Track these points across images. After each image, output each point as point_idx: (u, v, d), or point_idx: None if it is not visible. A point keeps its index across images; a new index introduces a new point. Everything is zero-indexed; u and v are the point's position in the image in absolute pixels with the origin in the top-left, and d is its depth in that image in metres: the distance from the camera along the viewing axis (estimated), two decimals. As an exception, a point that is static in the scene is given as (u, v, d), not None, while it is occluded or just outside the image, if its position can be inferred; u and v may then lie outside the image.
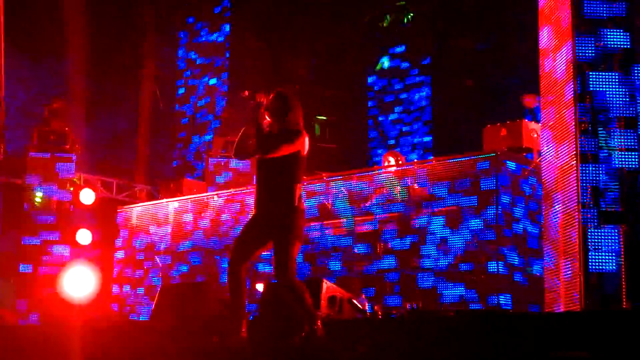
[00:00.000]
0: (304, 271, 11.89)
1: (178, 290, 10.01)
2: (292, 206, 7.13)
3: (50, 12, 17.59)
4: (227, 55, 19.89)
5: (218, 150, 16.45)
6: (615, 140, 8.04)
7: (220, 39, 19.94)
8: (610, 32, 8.16)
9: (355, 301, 8.60)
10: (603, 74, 8.10)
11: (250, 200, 12.79)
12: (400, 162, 12.01)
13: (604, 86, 8.09)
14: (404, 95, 18.90)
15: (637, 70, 8.11)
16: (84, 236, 14.86)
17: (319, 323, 7.09)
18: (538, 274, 10.23)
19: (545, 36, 8.91)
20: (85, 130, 16.58)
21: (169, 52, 20.14)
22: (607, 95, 8.09)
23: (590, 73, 8.12)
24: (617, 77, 8.08)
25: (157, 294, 9.67)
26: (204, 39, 20.21)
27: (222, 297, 9.33)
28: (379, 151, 18.36)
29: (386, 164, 12.07)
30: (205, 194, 14.02)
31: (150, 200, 15.58)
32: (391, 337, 7.20)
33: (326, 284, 8.40)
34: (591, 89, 8.10)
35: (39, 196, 14.87)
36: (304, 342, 7.08)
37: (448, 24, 18.11)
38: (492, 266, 10.34)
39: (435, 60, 18.44)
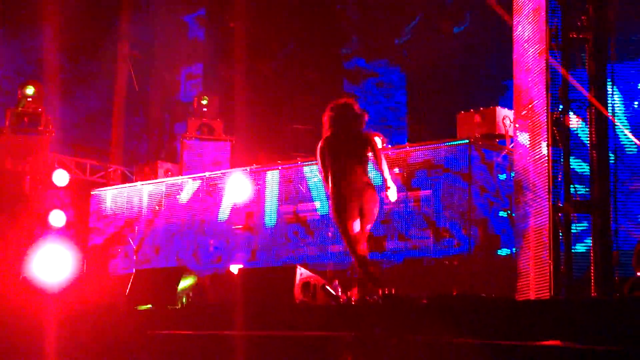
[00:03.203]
0: (281, 255, 11.96)
1: (152, 275, 10.01)
2: None
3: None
4: (203, 35, 19.86)
5: (193, 133, 16.43)
6: (588, 128, 8.11)
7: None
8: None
9: (328, 287, 8.64)
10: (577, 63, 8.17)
11: (222, 184, 12.84)
12: (382, 144, 12.04)
13: (578, 74, 8.15)
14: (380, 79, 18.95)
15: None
16: (57, 218, 14.79)
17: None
18: (505, 258, 10.35)
19: (520, 23, 8.96)
20: (59, 111, 16.48)
21: (144, 32, 20.04)
22: (580, 82, 8.15)
23: (564, 62, 8.18)
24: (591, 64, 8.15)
25: (131, 279, 9.68)
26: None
27: (197, 283, 9.37)
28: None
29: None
30: (179, 177, 14.03)
31: (124, 182, 15.56)
32: (366, 323, 7.26)
33: (300, 270, 8.45)
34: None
35: None
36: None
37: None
38: (465, 250, 10.44)
39: (410, 44, 18.47)
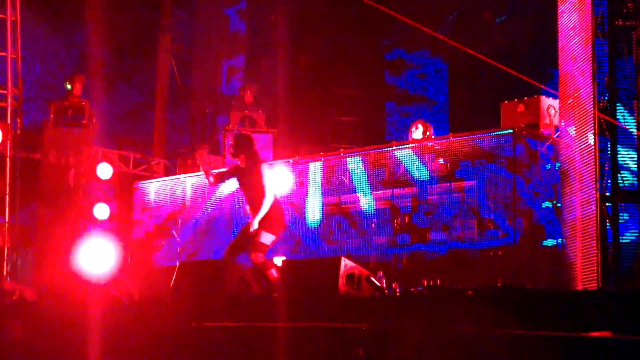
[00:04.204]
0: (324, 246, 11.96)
1: (197, 267, 10.04)
2: None
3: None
4: (244, 28, 19.86)
5: (235, 125, 16.45)
6: (635, 117, 8.01)
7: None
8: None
9: (373, 278, 8.62)
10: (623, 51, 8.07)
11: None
12: (428, 132, 12.01)
13: (624, 63, 8.05)
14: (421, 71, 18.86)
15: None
16: (101, 210, 14.86)
17: None
18: (550, 248, 10.26)
19: (565, 11, 8.86)
20: (103, 105, 16.57)
21: (186, 25, 20.10)
22: (627, 73, 8.05)
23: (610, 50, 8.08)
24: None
25: (176, 271, 9.70)
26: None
27: (240, 275, 9.38)
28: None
29: (414, 129, 12.08)
30: (222, 169, 14.03)
31: (167, 175, 15.61)
32: (410, 314, 7.23)
33: (344, 262, 8.43)
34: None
35: None
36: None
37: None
38: (510, 241, 10.37)
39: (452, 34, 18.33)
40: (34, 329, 8.82)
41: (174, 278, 9.50)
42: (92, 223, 14.51)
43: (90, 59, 16.79)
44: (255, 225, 9.29)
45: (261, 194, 9.42)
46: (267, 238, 9.30)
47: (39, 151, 15.28)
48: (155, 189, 14.26)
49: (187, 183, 13.83)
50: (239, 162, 9.76)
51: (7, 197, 13.85)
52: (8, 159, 13.89)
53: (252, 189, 9.57)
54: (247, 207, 9.68)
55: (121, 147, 16.83)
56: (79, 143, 15.07)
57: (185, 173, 14.38)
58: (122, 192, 15.25)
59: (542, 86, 9.32)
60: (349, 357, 7.13)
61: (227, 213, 13.21)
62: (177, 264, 10.23)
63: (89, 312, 8.43)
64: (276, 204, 9.54)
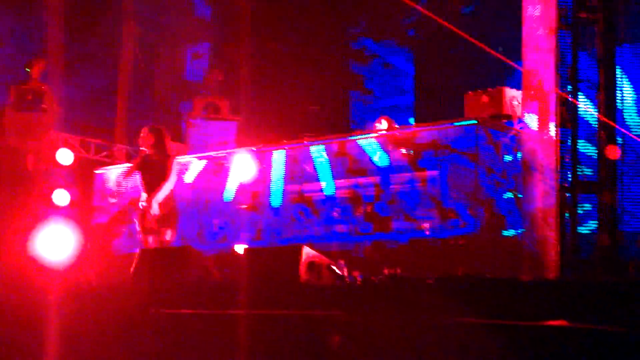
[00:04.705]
0: (286, 235, 11.94)
1: (157, 253, 9.98)
2: None
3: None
4: (209, 14, 19.76)
5: (198, 112, 16.38)
6: (595, 109, 8.06)
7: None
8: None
9: (334, 267, 8.61)
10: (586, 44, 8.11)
11: (228, 164, 12.78)
12: (392, 125, 12.06)
13: (587, 56, 8.10)
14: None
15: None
16: (61, 196, 14.73)
17: None
18: (511, 239, 10.32)
19: (530, 3, 8.88)
20: (64, 89, 16.41)
21: (150, 10, 19.93)
22: (589, 65, 8.10)
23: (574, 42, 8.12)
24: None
25: (136, 258, 9.64)
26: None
27: (202, 263, 9.34)
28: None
29: (378, 125, 12.11)
30: (184, 157, 13.97)
31: (128, 161, 15.51)
32: (372, 303, 7.23)
33: (305, 250, 8.41)
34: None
35: None
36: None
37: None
38: (470, 230, 10.41)
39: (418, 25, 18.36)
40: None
41: (134, 265, 9.44)
42: (52, 209, 14.38)
43: (52, 42, 16.62)
44: (155, 208, 10.33)
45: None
46: (170, 235, 10.37)
47: (-1, 136, 15.13)
48: (116, 175, 14.14)
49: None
50: (147, 152, 10.69)
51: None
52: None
53: (159, 182, 10.47)
54: (144, 195, 10.58)
55: (82, 133, 16.70)
56: (38, 128, 14.93)
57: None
58: (83, 178, 15.12)
59: (516, 67, 9.26)
60: (311, 345, 7.13)
61: (188, 201, 13.14)
62: (137, 251, 10.16)
63: (48, 298, 8.35)
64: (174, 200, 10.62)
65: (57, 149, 14.95)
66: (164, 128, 11.25)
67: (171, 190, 10.62)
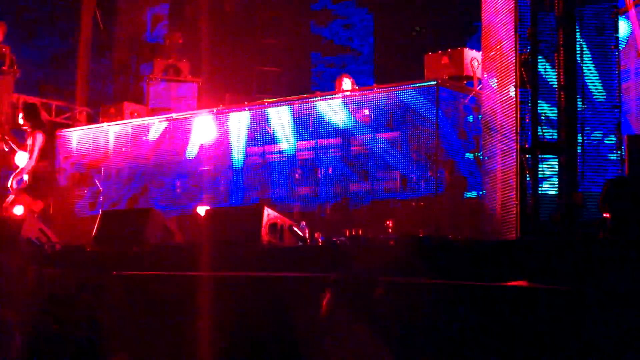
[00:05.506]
0: (248, 196, 11.94)
1: (119, 216, 9.98)
2: None
3: None
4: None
5: (159, 74, 16.30)
6: (555, 70, 8.11)
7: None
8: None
9: (295, 228, 8.66)
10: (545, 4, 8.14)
11: (188, 125, 12.75)
12: (353, 86, 12.08)
13: (547, 16, 8.13)
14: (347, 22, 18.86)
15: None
16: (21, 158, 14.61)
17: None
18: (472, 200, 10.40)
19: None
20: (23, 51, 16.25)
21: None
22: (548, 26, 8.13)
23: (533, 2, 8.14)
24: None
25: (98, 220, 9.63)
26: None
27: (164, 223, 9.35)
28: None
29: (343, 82, 12.14)
30: (145, 118, 13.90)
31: (90, 124, 15.42)
32: (333, 264, 7.28)
33: (267, 211, 8.44)
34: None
35: None
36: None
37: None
38: (430, 192, 10.47)
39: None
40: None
41: (96, 227, 9.43)
42: (13, 171, 14.27)
43: (10, 3, 16.44)
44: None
45: None
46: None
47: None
48: (78, 137, 14.04)
49: (110, 132, 13.66)
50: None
51: None
52: None
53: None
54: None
55: (43, 95, 16.57)
56: (-1, 90, 14.80)
57: (108, 122, 14.20)
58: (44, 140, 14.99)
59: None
60: (273, 306, 7.18)
61: (151, 162, 13.09)
62: (100, 212, 10.14)
63: (10, 261, 8.34)
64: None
65: (18, 111, 14.81)
66: (37, 104, 12.63)
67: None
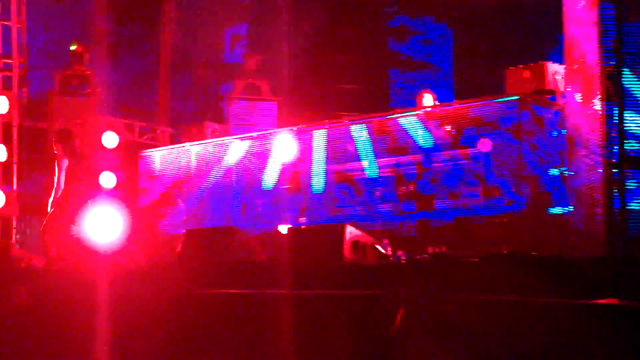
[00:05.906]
0: (329, 214, 11.95)
1: (203, 234, 10.05)
2: None
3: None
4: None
5: (239, 93, 16.43)
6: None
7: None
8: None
9: (378, 246, 8.62)
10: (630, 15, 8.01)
11: (269, 144, 12.81)
12: (434, 102, 12.06)
13: (631, 28, 8.00)
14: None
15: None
16: (107, 179, 14.86)
17: None
18: (559, 216, 10.24)
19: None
20: (107, 73, 16.53)
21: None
22: (633, 37, 8.00)
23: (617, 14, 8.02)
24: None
25: (182, 238, 9.72)
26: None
27: (246, 242, 9.39)
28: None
29: (423, 97, 12.13)
30: (226, 138, 14.03)
31: (172, 143, 15.60)
32: (417, 281, 7.23)
33: (349, 229, 8.43)
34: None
35: None
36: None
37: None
38: (516, 208, 10.36)
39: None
40: (41, 296, 8.85)
41: (180, 246, 9.52)
42: (99, 191, 14.50)
43: (95, 27, 16.73)
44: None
45: None
46: None
47: (45, 120, 15.28)
48: (160, 157, 14.24)
49: (192, 151, 13.82)
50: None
51: (15, 166, 13.87)
52: (15, 128, 13.89)
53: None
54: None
55: (126, 115, 16.82)
56: (84, 112, 15.06)
57: (190, 141, 14.36)
58: (128, 160, 15.24)
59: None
60: (356, 325, 7.14)
61: (233, 181, 13.20)
62: (184, 231, 10.24)
63: (96, 280, 8.44)
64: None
65: (102, 132, 15.07)
66: (72, 130, 12.05)
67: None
